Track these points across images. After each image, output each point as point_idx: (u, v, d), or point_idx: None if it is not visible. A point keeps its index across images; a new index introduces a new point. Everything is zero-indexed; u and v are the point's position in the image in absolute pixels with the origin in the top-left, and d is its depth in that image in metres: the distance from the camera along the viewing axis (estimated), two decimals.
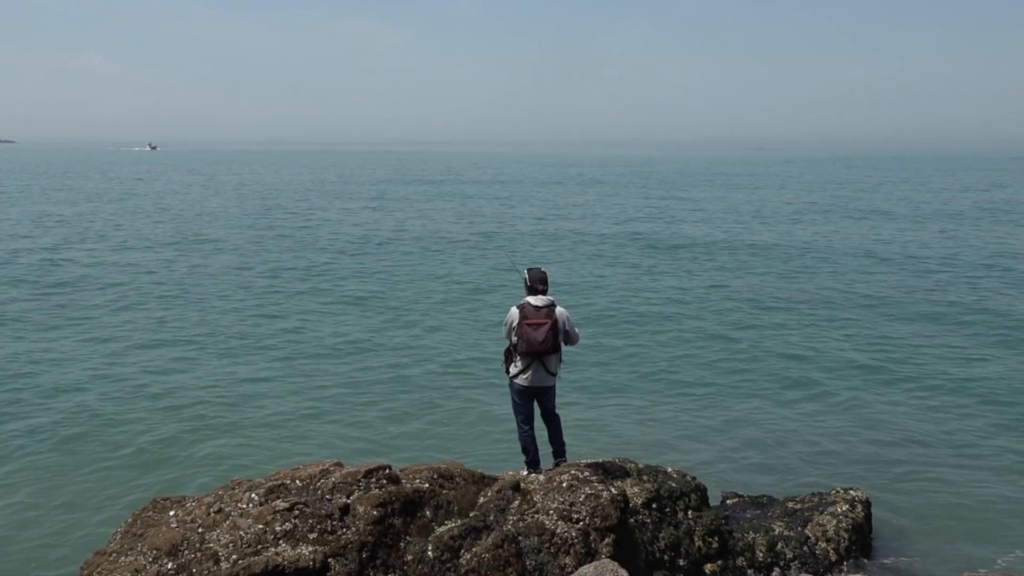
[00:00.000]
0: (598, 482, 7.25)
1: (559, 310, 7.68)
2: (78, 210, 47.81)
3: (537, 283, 7.69)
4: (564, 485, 7.19)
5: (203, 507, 6.46)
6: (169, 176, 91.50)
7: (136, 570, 5.76)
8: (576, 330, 7.83)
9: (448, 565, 6.25)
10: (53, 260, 28.26)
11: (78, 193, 62.30)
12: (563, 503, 6.95)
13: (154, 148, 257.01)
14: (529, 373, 7.69)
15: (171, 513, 6.51)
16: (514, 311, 7.65)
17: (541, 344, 7.51)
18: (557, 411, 8.04)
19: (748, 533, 8.41)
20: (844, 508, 9.02)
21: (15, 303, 21.23)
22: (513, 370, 7.78)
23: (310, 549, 5.96)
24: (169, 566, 5.77)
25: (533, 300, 7.63)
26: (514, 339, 7.67)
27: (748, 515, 9.20)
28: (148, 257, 29.61)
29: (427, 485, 6.87)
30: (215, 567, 5.72)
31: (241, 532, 6.01)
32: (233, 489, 6.71)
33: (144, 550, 5.96)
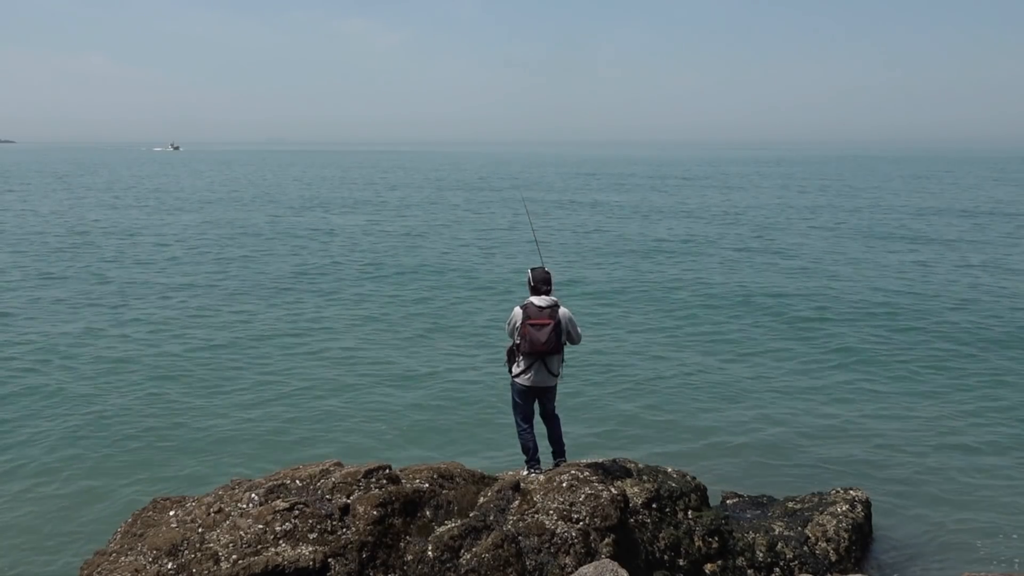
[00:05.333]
0: (598, 482, 7.25)
1: (562, 311, 7.68)
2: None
3: (540, 283, 7.72)
4: (564, 485, 7.19)
5: (203, 507, 6.45)
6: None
7: (136, 570, 5.75)
8: (579, 330, 7.84)
9: (448, 565, 6.25)
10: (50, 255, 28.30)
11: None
12: (563, 503, 6.94)
13: (176, 148, 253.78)
14: (531, 373, 7.71)
15: (171, 513, 6.50)
16: (517, 311, 7.67)
17: (544, 344, 7.53)
18: (557, 411, 8.05)
19: (748, 533, 8.40)
20: (844, 508, 9.02)
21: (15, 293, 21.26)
22: (515, 370, 7.80)
23: (310, 549, 5.95)
24: (169, 566, 5.76)
25: (537, 300, 7.64)
26: (517, 339, 7.69)
27: (748, 515, 9.20)
28: (149, 257, 29.61)
29: (427, 485, 6.86)
30: (215, 567, 5.72)
31: (241, 532, 6.00)
32: (233, 489, 6.71)
33: (144, 550, 5.96)
